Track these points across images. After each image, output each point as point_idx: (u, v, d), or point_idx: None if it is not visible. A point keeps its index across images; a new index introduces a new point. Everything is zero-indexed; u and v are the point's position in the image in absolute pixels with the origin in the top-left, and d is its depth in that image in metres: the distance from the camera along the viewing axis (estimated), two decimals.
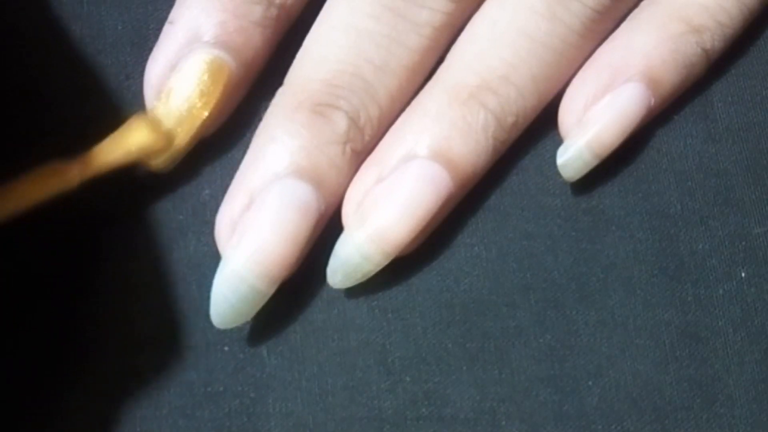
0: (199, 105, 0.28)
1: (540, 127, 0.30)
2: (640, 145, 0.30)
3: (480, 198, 0.30)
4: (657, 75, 0.29)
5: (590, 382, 0.29)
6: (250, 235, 0.27)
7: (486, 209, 0.30)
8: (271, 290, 0.28)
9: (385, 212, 0.28)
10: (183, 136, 0.29)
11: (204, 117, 0.29)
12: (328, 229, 0.29)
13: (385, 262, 0.28)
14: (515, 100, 0.29)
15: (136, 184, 0.30)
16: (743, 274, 0.29)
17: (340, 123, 0.28)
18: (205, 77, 0.28)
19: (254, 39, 0.29)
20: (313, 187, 0.28)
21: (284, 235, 0.27)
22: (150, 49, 0.29)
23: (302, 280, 0.29)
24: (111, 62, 0.31)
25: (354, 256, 0.28)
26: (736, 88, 0.31)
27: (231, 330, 0.28)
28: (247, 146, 0.29)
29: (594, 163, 0.29)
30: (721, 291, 0.29)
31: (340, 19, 0.29)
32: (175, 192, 0.30)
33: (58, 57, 0.31)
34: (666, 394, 0.28)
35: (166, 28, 0.29)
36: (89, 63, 0.31)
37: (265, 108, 0.29)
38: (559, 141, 0.30)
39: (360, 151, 0.29)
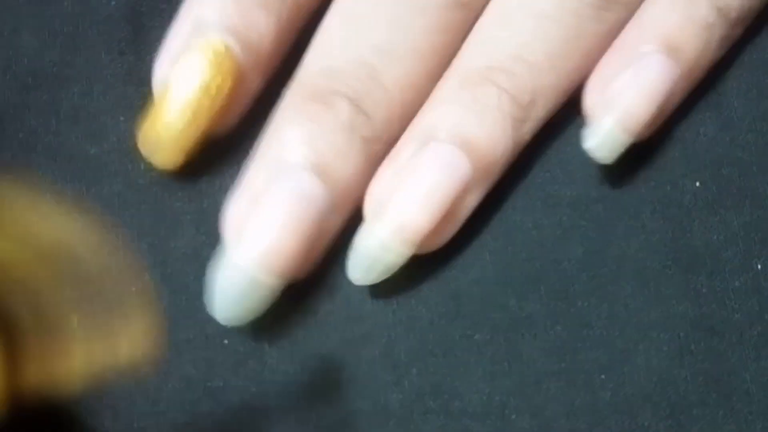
0: (203, 96, 0.27)
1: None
2: (653, 133, 0.29)
3: None
4: (676, 42, 0.28)
5: (603, 376, 0.28)
6: (251, 230, 0.27)
7: (493, 197, 0.29)
8: (278, 284, 0.27)
9: (402, 199, 0.27)
10: (188, 133, 0.27)
11: (209, 108, 0.27)
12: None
13: (408, 253, 0.27)
14: (530, 78, 0.28)
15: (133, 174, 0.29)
16: (759, 266, 0.29)
17: (343, 109, 0.27)
18: (207, 64, 0.27)
19: (258, 21, 0.28)
20: (318, 177, 0.27)
21: (287, 227, 0.26)
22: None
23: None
24: (104, 38, 0.30)
25: (375, 248, 0.27)
26: (750, 77, 0.30)
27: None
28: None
29: (628, 141, 0.28)
30: (737, 283, 0.28)
31: (344, 9, 0.29)
32: (173, 181, 0.29)
33: (49, 31, 0.30)
34: (681, 389, 0.28)
35: (173, 25, 0.29)
36: (81, 38, 0.30)
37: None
38: (568, 129, 0.29)
39: (371, 139, 0.28)
